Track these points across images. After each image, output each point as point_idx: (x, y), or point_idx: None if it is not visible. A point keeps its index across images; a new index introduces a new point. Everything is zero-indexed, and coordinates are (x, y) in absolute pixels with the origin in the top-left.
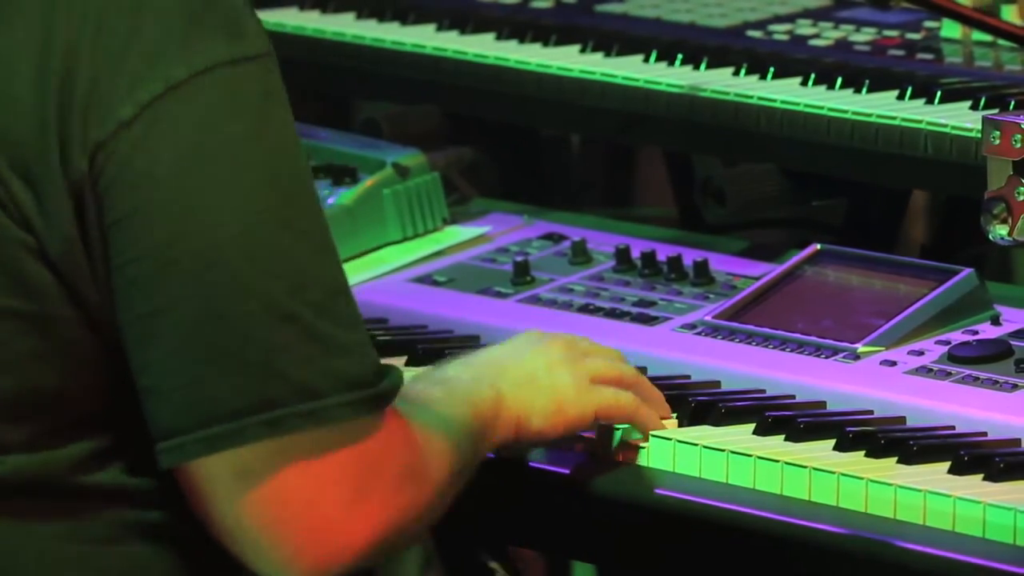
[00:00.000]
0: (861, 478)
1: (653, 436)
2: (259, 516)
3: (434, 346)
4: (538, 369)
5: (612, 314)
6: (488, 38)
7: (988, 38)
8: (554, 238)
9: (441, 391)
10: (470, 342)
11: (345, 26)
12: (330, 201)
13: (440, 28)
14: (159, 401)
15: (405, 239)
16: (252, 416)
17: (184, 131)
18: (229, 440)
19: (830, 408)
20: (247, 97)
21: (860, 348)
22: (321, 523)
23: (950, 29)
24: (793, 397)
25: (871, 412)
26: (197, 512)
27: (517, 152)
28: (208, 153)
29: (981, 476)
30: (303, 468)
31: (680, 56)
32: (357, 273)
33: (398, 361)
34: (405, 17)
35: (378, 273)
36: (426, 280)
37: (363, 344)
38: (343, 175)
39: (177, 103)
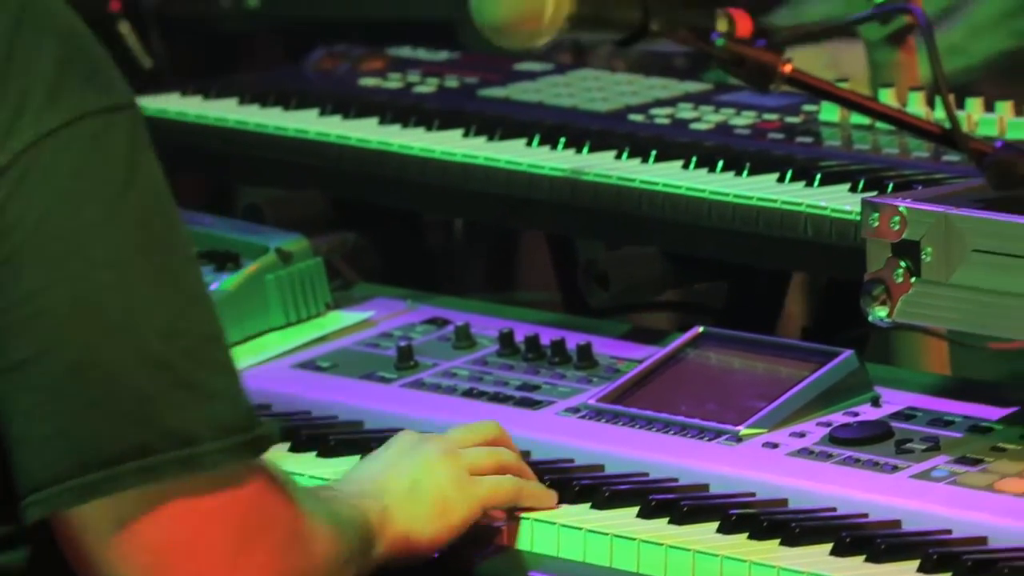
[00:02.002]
0: (744, 560)
1: (536, 520)
2: (138, 566)
3: (318, 432)
4: (418, 475)
5: (496, 398)
6: (371, 123)
7: (866, 121)
8: (438, 322)
9: (327, 494)
10: (354, 428)
11: (227, 111)
12: (213, 287)
13: (323, 113)
14: (31, 450)
15: (288, 324)
16: (126, 463)
17: (56, 179)
18: (104, 488)
19: (713, 491)
20: (117, 146)
21: (742, 430)
22: (203, 572)
23: (829, 112)
24: (676, 480)
25: (754, 494)
26: (74, 563)
27: (400, 237)
28: (80, 201)
29: (863, 557)
30: (181, 515)
31: (563, 140)
32: (240, 359)
33: (281, 447)
34: (288, 102)
35: (261, 359)
36: (309, 366)
37: (237, 390)
38: (226, 261)
39: (49, 151)
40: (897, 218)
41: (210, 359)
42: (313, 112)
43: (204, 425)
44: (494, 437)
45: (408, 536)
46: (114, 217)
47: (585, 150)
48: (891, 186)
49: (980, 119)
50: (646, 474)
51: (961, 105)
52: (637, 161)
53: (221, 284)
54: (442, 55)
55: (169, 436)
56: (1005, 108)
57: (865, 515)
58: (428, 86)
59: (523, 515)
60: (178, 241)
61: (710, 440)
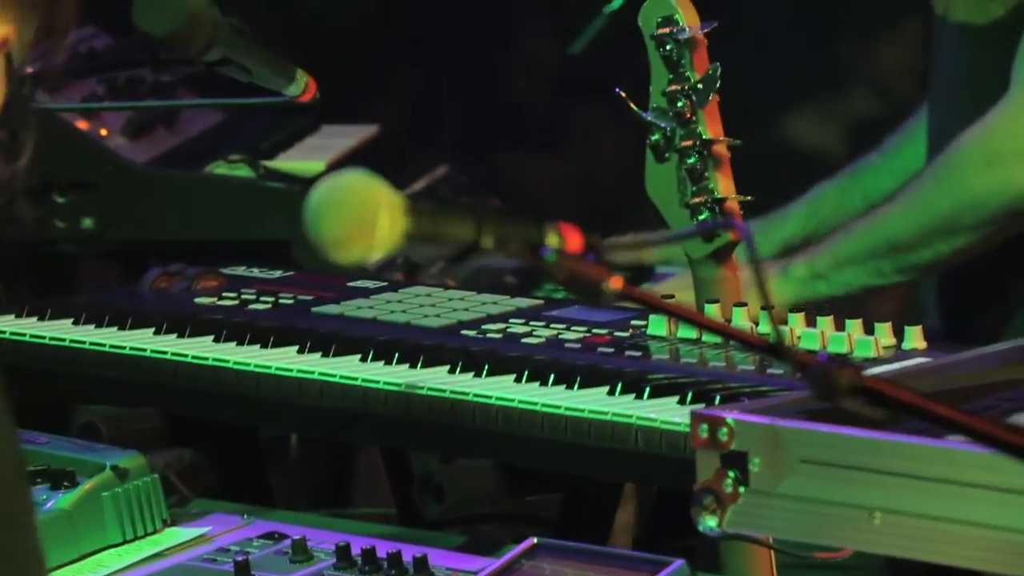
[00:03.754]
0: None
1: None
2: None
3: None
4: None
5: None
6: (207, 340)
7: (693, 335)
8: (274, 537)
9: None
10: None
11: (64, 331)
12: (48, 506)
13: (159, 332)
14: None
15: (125, 542)
16: None
17: None
18: None
19: None
20: None
21: None
22: None
23: (656, 327)
24: None
25: None
26: None
27: (236, 452)
28: None
29: None
30: None
31: (397, 355)
32: None
33: None
34: (124, 322)
35: None
36: None
37: None
38: (62, 479)
39: None
40: (725, 429)
41: None
42: (149, 331)
43: None
44: None
45: None
46: None
47: (419, 365)
48: (718, 398)
49: (802, 333)
50: None
51: (784, 320)
52: (470, 375)
53: (57, 502)
54: (277, 274)
55: None
56: (826, 323)
57: None
58: (263, 304)
59: None
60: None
61: None
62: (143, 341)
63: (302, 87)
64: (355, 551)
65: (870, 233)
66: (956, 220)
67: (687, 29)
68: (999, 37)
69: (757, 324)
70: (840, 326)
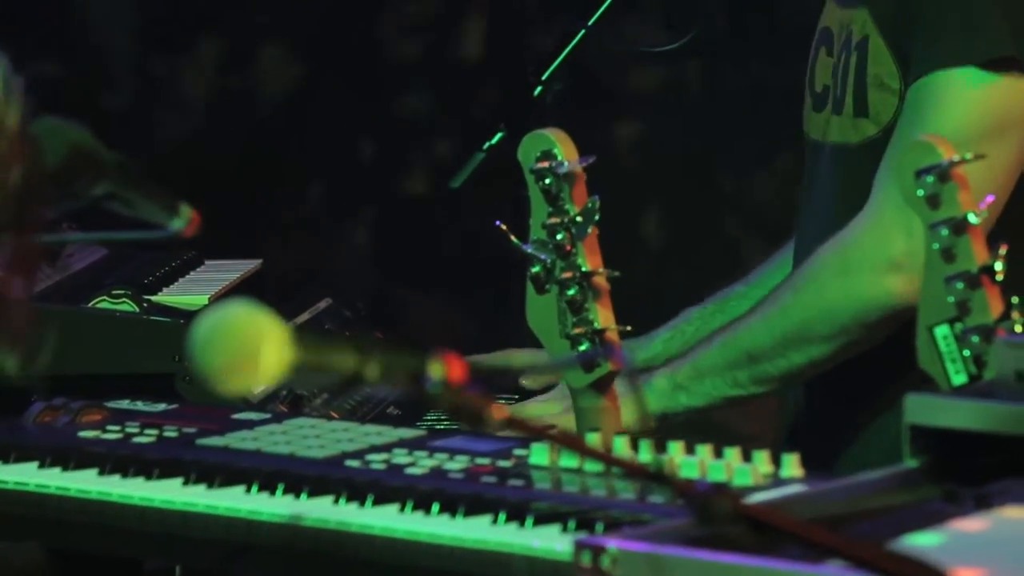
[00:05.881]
0: None
1: None
2: None
3: None
4: None
5: None
6: (91, 474)
7: (575, 464)
8: None
9: None
10: None
11: None
12: None
13: (43, 466)
14: None
15: None
16: None
17: None
18: None
19: None
20: None
21: None
22: None
23: (539, 456)
24: None
25: None
26: None
27: None
28: None
29: None
30: None
31: (281, 486)
32: None
33: None
34: (7, 457)
35: None
36: None
37: None
38: None
39: None
40: (608, 557)
41: None
42: (33, 465)
43: None
44: None
45: None
46: None
47: (303, 496)
48: (601, 526)
49: (682, 461)
50: None
51: (664, 448)
52: (355, 506)
53: None
54: (161, 407)
55: None
56: (705, 451)
57: None
58: (147, 436)
59: None
60: None
61: None
62: (26, 475)
63: (186, 221)
64: None
65: (729, 344)
66: (809, 329)
67: (566, 163)
68: (871, 158)
69: (638, 452)
70: (719, 454)
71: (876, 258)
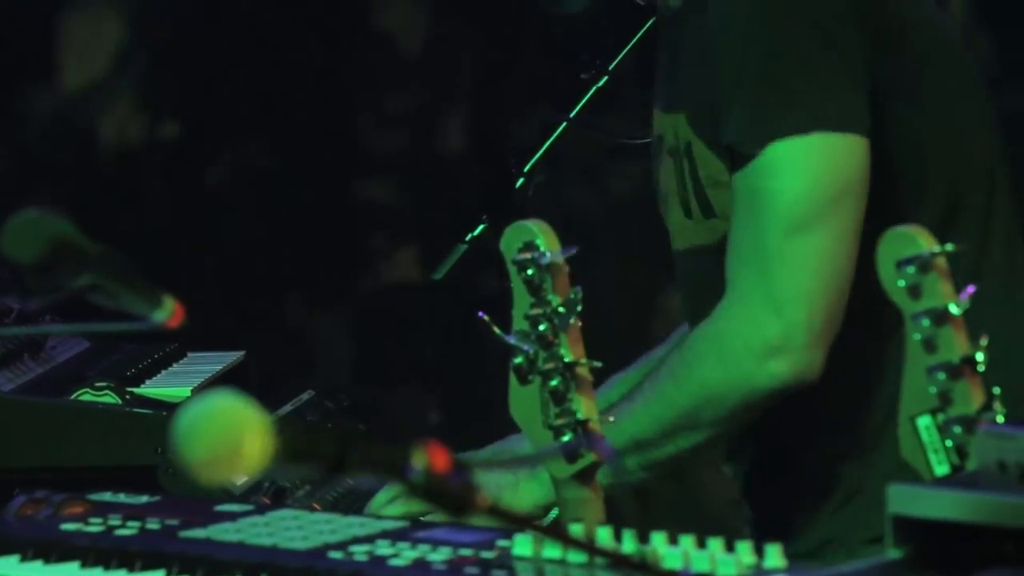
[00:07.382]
0: None
1: None
2: None
3: None
4: None
5: None
6: (73, 566)
7: (559, 555)
8: None
9: None
10: None
11: None
12: None
13: (24, 559)
14: None
15: None
16: None
17: None
18: None
19: None
20: None
21: None
22: None
23: (522, 546)
24: None
25: None
26: None
27: None
28: None
29: None
30: None
31: None
32: None
33: None
34: None
35: None
36: None
37: None
38: None
39: None
40: None
41: None
42: (14, 558)
43: None
44: None
45: None
46: None
47: None
48: None
49: (665, 551)
50: None
51: (647, 539)
52: None
53: None
54: (143, 499)
55: None
56: (688, 541)
57: None
58: (130, 529)
59: None
60: None
61: None
62: (8, 568)
63: (169, 313)
64: None
65: (615, 432)
66: (695, 418)
67: (548, 254)
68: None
69: (621, 542)
70: (702, 544)
71: (754, 345)
